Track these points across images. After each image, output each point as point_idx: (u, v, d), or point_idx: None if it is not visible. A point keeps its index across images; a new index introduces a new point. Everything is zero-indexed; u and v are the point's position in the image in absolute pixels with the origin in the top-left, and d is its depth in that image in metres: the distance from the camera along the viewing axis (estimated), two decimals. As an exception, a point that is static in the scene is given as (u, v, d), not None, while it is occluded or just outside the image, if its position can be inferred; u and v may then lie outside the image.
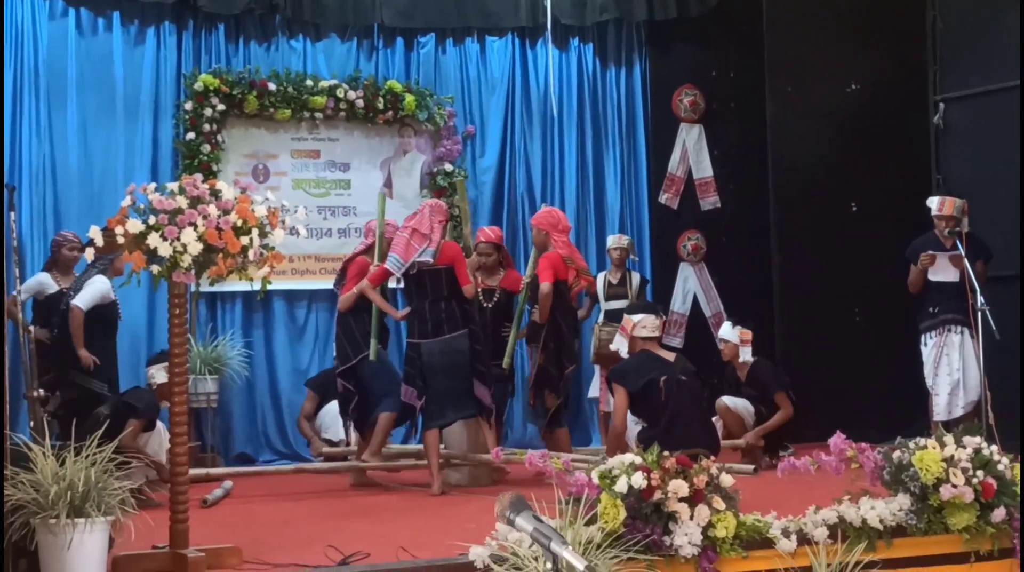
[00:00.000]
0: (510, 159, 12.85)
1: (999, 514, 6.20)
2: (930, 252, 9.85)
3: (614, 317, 10.77)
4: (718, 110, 13.15)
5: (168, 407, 6.26)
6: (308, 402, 10.77)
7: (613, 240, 11.86)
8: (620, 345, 9.01)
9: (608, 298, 11.49)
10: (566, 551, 3.21)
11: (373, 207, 12.03)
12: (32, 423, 7.98)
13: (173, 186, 5.92)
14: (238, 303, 11.81)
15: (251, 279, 6.19)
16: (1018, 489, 6.29)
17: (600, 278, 11.50)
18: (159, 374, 8.78)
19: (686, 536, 5.64)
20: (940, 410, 9.84)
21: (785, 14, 12.11)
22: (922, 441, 6.33)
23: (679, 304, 12.95)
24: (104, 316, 9.27)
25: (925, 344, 10.02)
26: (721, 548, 5.73)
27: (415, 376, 8.98)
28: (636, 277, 11.82)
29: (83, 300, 9.10)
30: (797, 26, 12.09)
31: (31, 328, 9.04)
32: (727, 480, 5.87)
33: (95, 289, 9.15)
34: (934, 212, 9.99)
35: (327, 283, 11.19)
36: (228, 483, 9.02)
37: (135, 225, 5.77)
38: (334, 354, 10.21)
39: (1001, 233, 10.31)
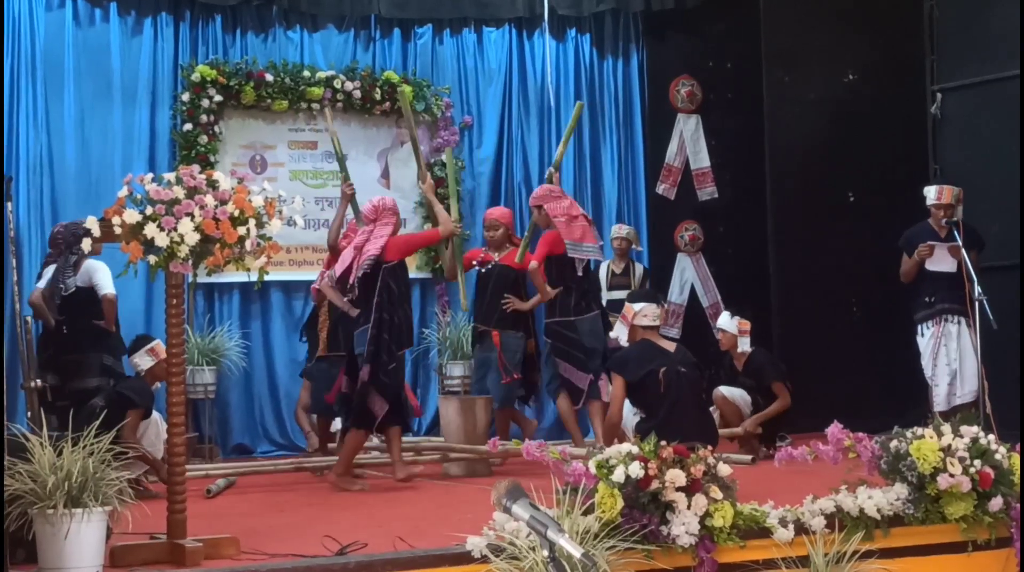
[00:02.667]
0: (507, 149, 12.86)
1: (996, 503, 6.21)
2: (929, 243, 9.85)
3: (617, 307, 10.71)
4: (715, 100, 13.15)
5: (163, 393, 6.26)
6: (305, 392, 10.75)
7: (615, 230, 11.85)
8: (620, 333, 9.01)
9: (611, 288, 11.47)
10: (562, 539, 3.21)
11: (369, 197, 12.09)
12: (29, 413, 7.99)
13: (170, 176, 5.91)
14: (235, 294, 11.80)
15: (248, 269, 6.19)
16: (1015, 478, 6.31)
17: (603, 268, 11.46)
18: (143, 360, 8.81)
19: (683, 526, 5.64)
20: (940, 401, 9.84)
21: (782, 4, 12.09)
22: (919, 431, 6.34)
23: (676, 294, 12.95)
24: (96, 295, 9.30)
25: (922, 334, 10.01)
26: (718, 538, 5.73)
27: (575, 352, 9.58)
28: (639, 268, 11.81)
29: (110, 286, 9.14)
30: (794, 16, 12.08)
31: (28, 319, 9.04)
32: (724, 469, 5.88)
33: (106, 273, 9.15)
34: (931, 201, 9.98)
35: (324, 274, 11.23)
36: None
37: (132, 215, 5.77)
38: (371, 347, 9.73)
39: (998, 223, 10.31)
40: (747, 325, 10.18)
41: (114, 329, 9.29)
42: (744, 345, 10.16)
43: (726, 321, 10.30)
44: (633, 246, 11.92)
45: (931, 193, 10.01)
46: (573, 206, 9.64)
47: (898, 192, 11.67)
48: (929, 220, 10.00)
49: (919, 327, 10.02)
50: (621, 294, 11.10)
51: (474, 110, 12.81)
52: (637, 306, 8.76)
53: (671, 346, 8.82)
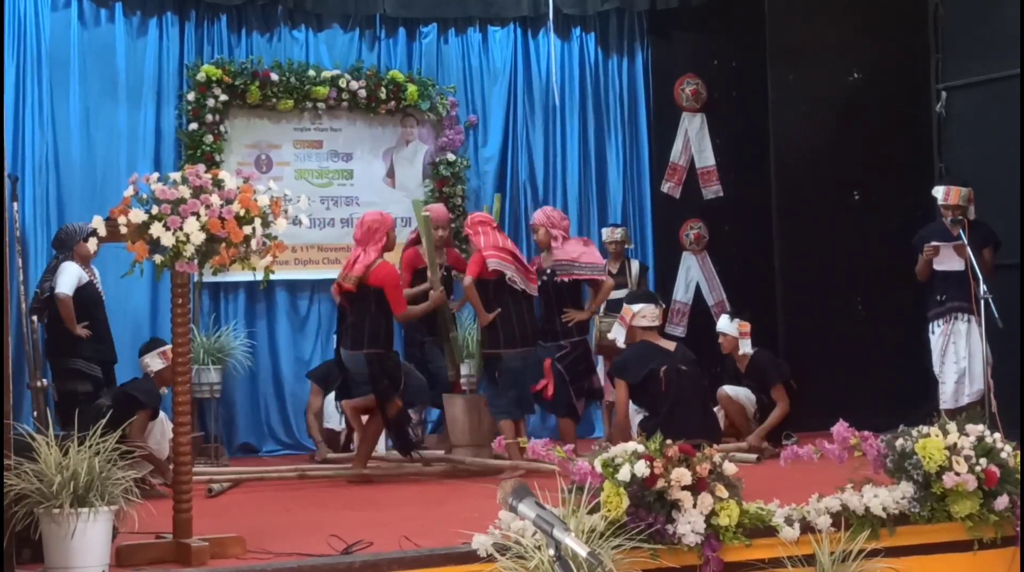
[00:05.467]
0: (512, 149, 12.84)
1: (1002, 502, 6.21)
2: (934, 243, 9.86)
3: (614, 307, 10.69)
4: (720, 99, 13.12)
5: (170, 392, 6.28)
6: (314, 397, 10.71)
7: (607, 234, 11.80)
8: (618, 334, 8.99)
9: (608, 288, 11.37)
10: (569, 537, 3.20)
11: (375, 197, 12.09)
12: (35, 413, 8.00)
13: (176, 176, 5.93)
14: (241, 293, 11.80)
15: (254, 269, 6.20)
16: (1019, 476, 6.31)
17: (601, 269, 11.41)
18: (154, 361, 8.82)
19: (689, 524, 5.65)
20: (947, 398, 9.85)
21: (787, 2, 12.07)
22: (925, 429, 6.34)
23: (681, 293, 12.92)
24: (83, 299, 9.31)
25: (933, 332, 10.02)
26: (724, 536, 5.74)
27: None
28: (635, 264, 11.76)
29: (66, 286, 9.18)
30: (799, 14, 12.06)
31: (34, 319, 9.06)
32: (730, 468, 5.89)
33: (70, 274, 9.22)
34: (940, 202, 9.98)
35: (330, 273, 11.20)
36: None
37: (138, 215, 5.78)
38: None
39: (1004, 221, 10.29)
40: (747, 327, 10.15)
41: (76, 331, 9.23)
42: (745, 347, 10.14)
43: (726, 324, 10.28)
44: (626, 245, 11.89)
45: (939, 193, 10.01)
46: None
47: (903, 190, 11.66)
48: (942, 219, 10.00)
49: (931, 325, 10.03)
50: (619, 294, 11.03)
51: (479, 109, 12.80)
52: (636, 307, 8.74)
53: (671, 345, 8.81)
